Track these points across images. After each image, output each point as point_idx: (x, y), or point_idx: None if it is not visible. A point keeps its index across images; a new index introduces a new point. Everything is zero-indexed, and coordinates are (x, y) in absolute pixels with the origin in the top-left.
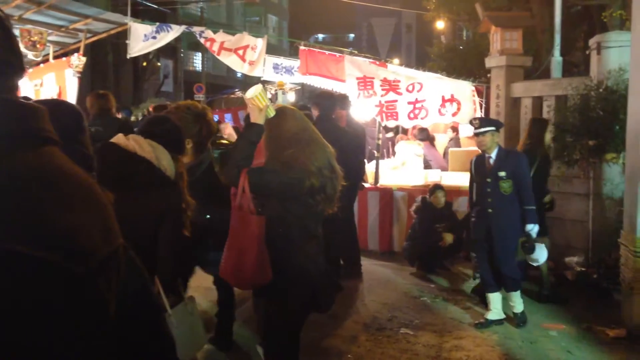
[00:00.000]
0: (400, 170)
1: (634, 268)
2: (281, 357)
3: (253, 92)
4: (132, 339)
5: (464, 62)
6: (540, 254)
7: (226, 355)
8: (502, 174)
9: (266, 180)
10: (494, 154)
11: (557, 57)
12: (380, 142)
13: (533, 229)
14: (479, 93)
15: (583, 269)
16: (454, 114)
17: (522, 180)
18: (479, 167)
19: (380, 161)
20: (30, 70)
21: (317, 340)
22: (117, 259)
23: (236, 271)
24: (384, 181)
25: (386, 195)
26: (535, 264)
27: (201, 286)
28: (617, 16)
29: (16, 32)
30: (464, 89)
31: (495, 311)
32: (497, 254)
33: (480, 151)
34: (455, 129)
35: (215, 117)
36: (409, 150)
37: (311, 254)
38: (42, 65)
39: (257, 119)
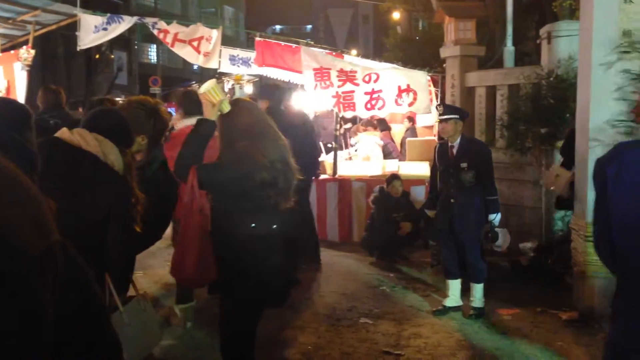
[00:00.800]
0: (358, 161)
1: (584, 252)
2: (235, 353)
3: (207, 86)
4: (73, 339)
5: (419, 52)
6: (503, 240)
7: (183, 350)
8: (464, 164)
9: (215, 175)
10: (456, 143)
11: (509, 47)
12: (338, 133)
13: (496, 218)
14: (435, 83)
15: (536, 254)
16: (410, 104)
17: (484, 170)
18: (442, 155)
19: (339, 152)
20: None
21: (277, 331)
22: (53, 256)
23: (179, 268)
24: (342, 172)
25: (345, 186)
26: (497, 249)
27: (160, 281)
28: (566, 6)
29: None
30: (420, 79)
31: (453, 298)
32: (461, 243)
33: (436, 140)
34: (411, 118)
35: (172, 110)
36: (370, 141)
37: (263, 249)
38: None
39: (210, 114)
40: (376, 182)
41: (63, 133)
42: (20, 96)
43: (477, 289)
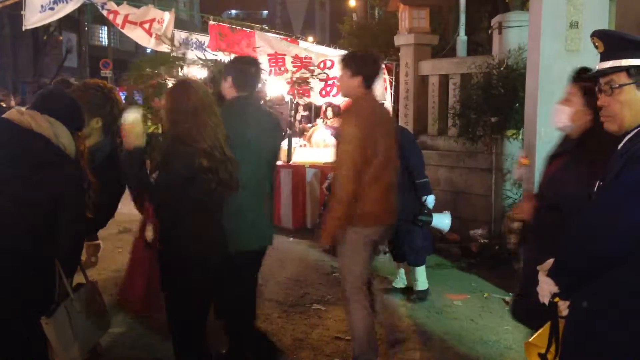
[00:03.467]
0: (311, 148)
1: None
2: (185, 342)
3: (132, 118)
4: None
5: (374, 39)
6: (442, 222)
7: (134, 338)
8: None
9: (163, 182)
10: None
11: (462, 37)
12: (292, 119)
13: (427, 199)
14: (389, 71)
15: (486, 241)
16: None
17: (408, 154)
18: None
19: (293, 139)
20: None
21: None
22: None
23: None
24: (296, 159)
25: (299, 172)
26: (443, 232)
27: (109, 268)
28: None
29: None
30: None
31: (400, 280)
32: (397, 228)
33: None
34: None
35: (123, 95)
36: (323, 137)
37: (210, 239)
38: None
39: (137, 141)
40: (330, 169)
41: (12, 114)
42: None
43: (418, 272)
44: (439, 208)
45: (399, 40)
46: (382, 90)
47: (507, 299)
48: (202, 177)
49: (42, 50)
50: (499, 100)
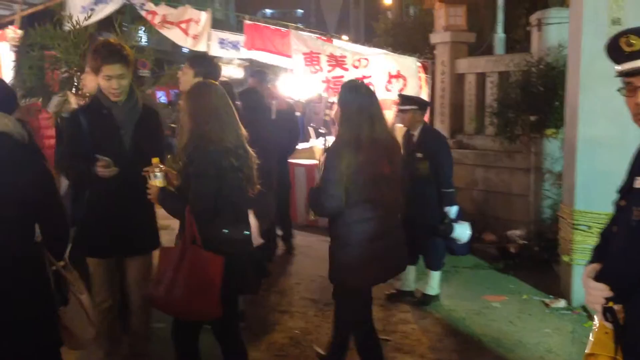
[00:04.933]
0: None
1: (570, 240)
2: (181, 341)
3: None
4: None
5: (409, 38)
6: (462, 233)
7: None
8: (419, 154)
9: (203, 189)
10: (417, 133)
11: (499, 34)
12: (327, 118)
13: (450, 210)
14: (425, 69)
15: (525, 242)
16: (400, 90)
17: (439, 162)
18: (405, 142)
19: (328, 137)
20: None
21: (264, 316)
22: None
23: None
24: None
25: None
26: (460, 243)
27: None
28: None
29: None
30: (410, 65)
31: (406, 283)
32: (419, 232)
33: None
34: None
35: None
36: None
37: (240, 237)
38: None
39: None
40: None
41: None
42: (7, 76)
43: (434, 277)
44: (475, 207)
45: (434, 38)
46: (418, 89)
47: (547, 301)
48: (231, 175)
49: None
50: (538, 98)
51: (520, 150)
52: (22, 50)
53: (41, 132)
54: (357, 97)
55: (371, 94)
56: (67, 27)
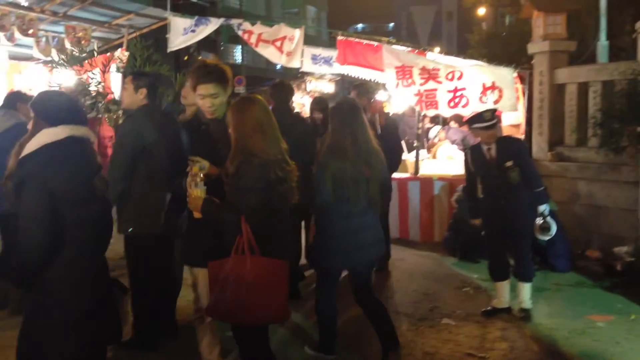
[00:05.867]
0: (441, 159)
1: None
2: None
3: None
4: None
5: (505, 48)
6: (554, 228)
7: None
8: (508, 163)
9: (256, 202)
10: (493, 145)
11: (602, 42)
12: (420, 131)
13: (546, 209)
14: (522, 80)
15: (632, 259)
16: (495, 102)
17: (526, 165)
18: (477, 159)
19: (420, 151)
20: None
21: (358, 330)
22: None
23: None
24: (424, 171)
25: (426, 185)
26: (547, 238)
27: None
28: None
29: (61, 28)
30: (506, 76)
31: (502, 299)
32: (514, 242)
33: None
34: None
35: None
36: (448, 152)
37: (289, 245)
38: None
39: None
40: (459, 182)
41: None
42: (116, 95)
43: (526, 289)
44: (577, 223)
45: (532, 48)
46: (514, 100)
47: None
48: (277, 187)
49: (183, 71)
50: None
51: (626, 162)
52: (128, 71)
53: (104, 141)
54: (340, 113)
55: (354, 110)
56: (169, 49)
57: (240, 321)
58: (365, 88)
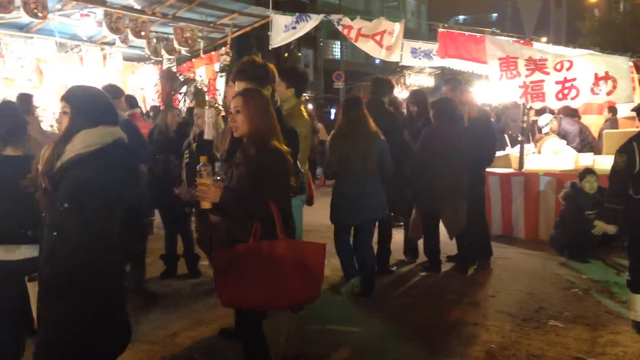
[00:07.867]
0: (547, 154)
1: None
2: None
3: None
4: None
5: (620, 36)
6: None
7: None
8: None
9: (281, 186)
10: None
11: None
12: (524, 125)
13: None
14: (638, 69)
15: None
16: (608, 93)
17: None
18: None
19: (525, 145)
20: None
21: (460, 328)
22: None
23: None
24: (529, 166)
25: (532, 180)
26: None
27: None
28: None
29: (170, 30)
30: (620, 66)
31: None
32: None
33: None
34: (613, 109)
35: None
36: (554, 147)
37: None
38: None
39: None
40: (567, 177)
41: None
42: (220, 94)
43: (636, 300)
44: None
45: None
46: (630, 90)
47: None
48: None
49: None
50: None
51: None
52: (230, 70)
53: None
54: (344, 106)
55: (355, 104)
56: (271, 46)
57: (273, 304)
58: (458, 81)
